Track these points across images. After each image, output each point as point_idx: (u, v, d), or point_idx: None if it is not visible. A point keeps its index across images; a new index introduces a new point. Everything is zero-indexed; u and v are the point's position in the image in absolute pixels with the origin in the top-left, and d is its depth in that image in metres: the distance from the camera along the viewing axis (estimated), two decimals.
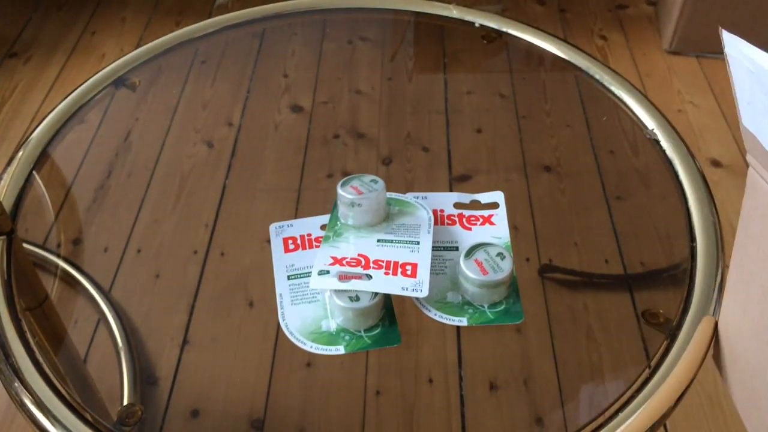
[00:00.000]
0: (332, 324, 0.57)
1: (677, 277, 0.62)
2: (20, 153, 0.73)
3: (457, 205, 0.66)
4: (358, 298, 0.56)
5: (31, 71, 1.69)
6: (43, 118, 0.77)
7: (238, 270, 0.75)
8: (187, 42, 0.88)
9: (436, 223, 0.63)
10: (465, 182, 0.83)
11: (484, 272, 0.57)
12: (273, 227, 0.65)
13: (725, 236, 0.63)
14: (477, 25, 0.89)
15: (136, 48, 0.86)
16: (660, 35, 1.76)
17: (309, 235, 0.64)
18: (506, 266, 0.58)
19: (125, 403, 0.64)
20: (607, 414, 0.52)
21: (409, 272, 0.57)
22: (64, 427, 0.52)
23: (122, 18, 1.85)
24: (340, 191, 0.62)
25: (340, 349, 0.56)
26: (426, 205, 0.65)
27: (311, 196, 0.81)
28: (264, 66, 1.00)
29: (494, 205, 0.66)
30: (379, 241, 0.61)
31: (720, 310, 0.54)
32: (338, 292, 0.56)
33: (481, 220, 0.65)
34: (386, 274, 0.57)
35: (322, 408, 0.69)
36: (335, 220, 0.63)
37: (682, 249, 0.63)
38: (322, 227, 0.64)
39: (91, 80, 0.82)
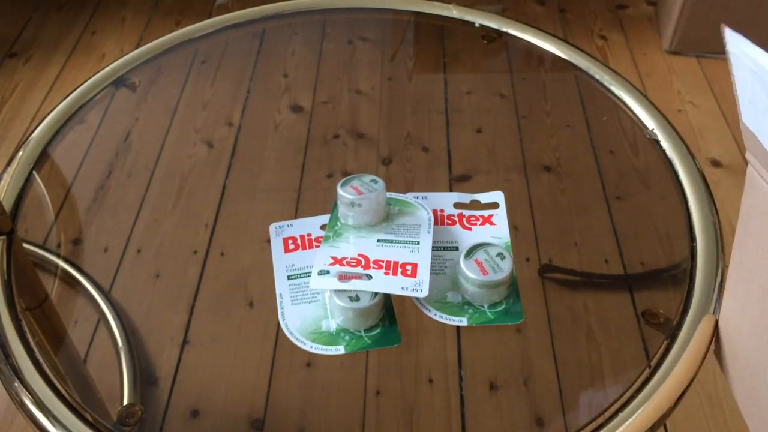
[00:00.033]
0: (332, 324, 0.57)
1: (677, 277, 0.62)
2: (20, 153, 0.73)
3: (457, 205, 0.66)
4: (358, 298, 0.56)
5: (31, 71, 1.69)
6: (43, 118, 0.77)
7: (238, 270, 0.75)
8: (187, 42, 0.88)
9: (436, 223, 0.63)
10: (465, 182, 0.83)
11: (484, 272, 0.57)
12: (273, 227, 0.65)
13: (725, 236, 0.63)
14: (477, 25, 0.89)
15: (136, 48, 0.86)
16: (660, 35, 1.76)
17: (309, 235, 0.64)
18: (506, 266, 0.58)
19: (125, 403, 0.64)
20: (607, 414, 0.52)
21: (409, 272, 0.57)
22: (64, 427, 0.52)
23: (122, 18, 1.85)
24: (340, 191, 0.62)
25: (340, 349, 0.56)
26: (426, 205, 0.65)
27: (311, 196, 0.81)
28: (264, 66, 1.00)
29: (494, 205, 0.66)
30: (379, 241, 0.61)
31: (720, 309, 0.54)
32: (338, 292, 0.56)
33: (481, 220, 0.65)
34: (386, 274, 0.57)
35: (322, 408, 0.69)
36: (335, 220, 0.63)
37: (682, 249, 0.63)
38: (322, 227, 0.64)
39: (91, 80, 0.82)
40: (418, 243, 0.60)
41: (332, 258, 0.59)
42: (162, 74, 0.89)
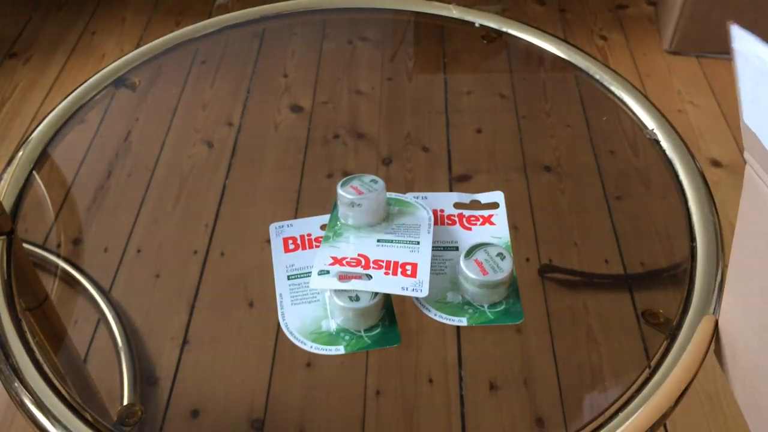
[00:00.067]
0: (332, 324, 0.57)
1: (677, 277, 0.62)
2: (20, 153, 0.73)
3: (457, 205, 0.66)
4: (358, 298, 0.56)
5: (31, 71, 1.69)
6: (43, 118, 0.77)
7: (238, 270, 0.75)
8: (187, 42, 0.88)
9: (436, 223, 0.63)
10: (465, 182, 0.84)
11: (484, 272, 0.57)
12: (273, 227, 0.65)
13: (725, 236, 0.63)
14: (477, 25, 0.89)
15: (136, 48, 0.86)
16: (660, 35, 1.76)
17: (309, 235, 0.64)
18: (506, 266, 0.58)
19: (125, 403, 0.64)
20: (607, 414, 0.52)
21: (409, 272, 0.57)
22: (64, 427, 0.52)
23: (122, 18, 1.85)
24: (340, 191, 0.62)
25: (340, 349, 0.56)
26: (426, 205, 0.65)
27: (311, 196, 0.81)
28: (264, 66, 1.00)
29: (494, 205, 0.66)
30: (379, 241, 0.61)
31: (720, 309, 0.54)
32: (338, 292, 0.56)
33: (481, 220, 0.65)
34: (386, 274, 0.57)
35: (322, 408, 0.69)
36: (335, 220, 0.63)
37: (682, 249, 0.63)
38: (322, 227, 0.64)
39: (91, 80, 0.82)
40: (418, 243, 0.60)
41: (332, 258, 0.59)
42: (162, 74, 0.89)
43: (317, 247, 0.62)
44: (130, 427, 0.55)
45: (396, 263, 0.58)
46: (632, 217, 0.79)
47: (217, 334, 0.70)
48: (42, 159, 0.74)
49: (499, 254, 0.59)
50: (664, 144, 0.72)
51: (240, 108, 0.94)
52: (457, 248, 0.62)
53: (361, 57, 1.02)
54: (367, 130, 0.91)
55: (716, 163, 1.43)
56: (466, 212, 0.65)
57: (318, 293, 0.59)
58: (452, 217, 0.65)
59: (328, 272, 0.58)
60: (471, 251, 0.59)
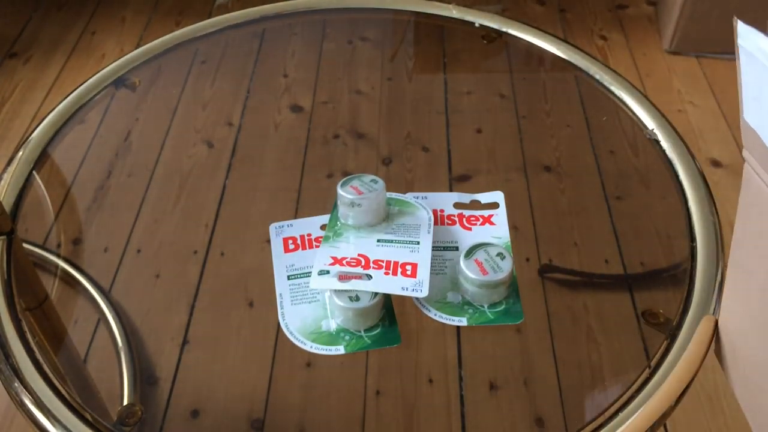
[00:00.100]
0: (332, 324, 0.57)
1: (677, 277, 0.62)
2: (20, 153, 0.73)
3: (457, 205, 0.66)
4: (358, 298, 0.56)
5: (31, 71, 1.69)
6: (43, 118, 0.77)
7: (238, 270, 0.75)
8: (187, 42, 0.88)
9: (436, 223, 0.63)
10: (465, 182, 0.83)
11: (484, 272, 0.57)
12: (273, 227, 0.65)
13: (725, 236, 0.63)
14: (477, 25, 0.89)
15: (136, 48, 0.86)
16: (660, 35, 1.76)
17: (309, 235, 0.64)
18: (506, 266, 0.58)
19: (125, 403, 0.64)
20: (607, 414, 0.52)
21: (409, 272, 0.57)
22: (64, 427, 0.52)
23: (122, 18, 1.85)
24: (340, 191, 0.62)
25: (340, 349, 0.56)
26: (426, 205, 0.65)
27: (311, 196, 0.81)
28: (264, 66, 1.00)
29: (494, 205, 0.66)
30: (379, 241, 0.61)
31: (720, 309, 0.54)
32: (338, 292, 0.56)
33: (481, 220, 0.65)
34: (386, 274, 0.57)
35: (322, 408, 0.69)
36: (335, 220, 0.63)
37: (682, 249, 0.63)
38: (322, 227, 0.64)
39: (91, 80, 0.82)
40: (418, 243, 0.60)
41: (332, 258, 0.59)
42: (162, 74, 0.89)
43: (317, 247, 0.62)
44: (130, 427, 0.55)
45: (396, 263, 0.58)
46: (632, 217, 0.79)
47: (217, 334, 0.70)
48: (42, 159, 0.74)
49: (499, 254, 0.59)
50: (664, 144, 0.72)
51: (240, 108, 0.94)
52: (457, 248, 0.62)
53: (361, 57, 1.02)
54: (367, 130, 0.91)
55: (716, 163, 1.43)
56: (466, 212, 0.65)
57: (318, 293, 0.59)
58: (452, 217, 0.65)
59: (328, 272, 0.58)
60: (471, 251, 0.59)
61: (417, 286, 0.56)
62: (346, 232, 0.62)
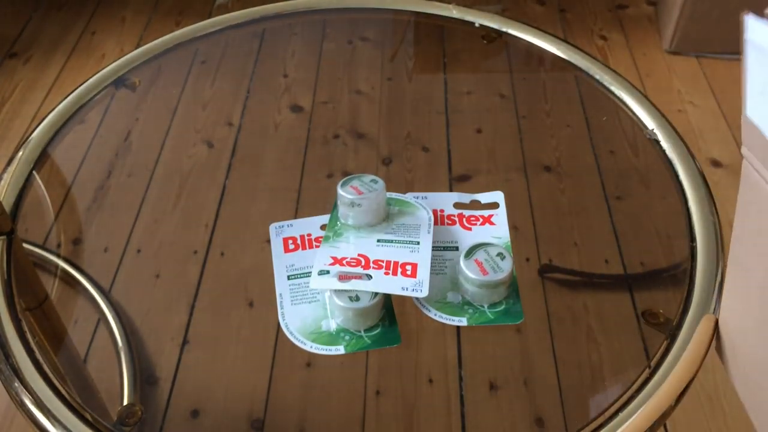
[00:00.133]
0: (332, 324, 0.57)
1: (677, 277, 0.62)
2: (20, 153, 0.73)
3: (457, 205, 0.66)
4: (358, 298, 0.56)
5: (31, 71, 1.69)
6: (43, 118, 0.77)
7: (238, 270, 0.75)
8: (187, 42, 0.88)
9: (436, 223, 0.63)
10: (465, 182, 0.83)
11: (484, 272, 0.57)
12: (273, 227, 0.65)
13: (725, 236, 0.63)
14: (477, 25, 0.89)
15: (136, 48, 0.86)
16: (660, 35, 1.76)
17: (309, 235, 0.64)
18: (506, 266, 0.58)
19: (125, 403, 0.64)
20: (607, 414, 0.52)
21: (409, 272, 0.57)
22: (64, 427, 0.52)
23: (122, 18, 1.85)
24: (340, 191, 0.62)
25: (340, 349, 0.56)
26: (426, 205, 0.65)
27: (311, 196, 0.81)
28: (264, 66, 1.00)
29: (494, 205, 0.66)
30: (379, 241, 0.61)
31: (719, 308, 0.54)
32: (338, 292, 0.56)
33: (481, 220, 0.65)
34: (386, 274, 0.57)
35: (322, 408, 0.69)
36: (335, 220, 0.63)
37: (682, 249, 0.64)
38: (322, 227, 0.64)
39: (91, 80, 0.82)
40: (418, 243, 0.60)
41: (332, 258, 0.59)
42: (162, 74, 0.89)
43: (317, 247, 0.62)
44: (130, 427, 0.55)
45: (396, 263, 0.58)
46: (632, 217, 0.79)
47: (217, 334, 0.70)
48: (42, 159, 0.74)
49: (499, 254, 0.59)
50: (664, 144, 0.72)
51: (240, 108, 0.94)
52: (457, 248, 0.62)
53: (361, 57, 1.02)
54: (367, 130, 0.91)
55: (716, 163, 1.43)
56: (466, 212, 0.65)
57: (318, 293, 0.59)
58: (452, 217, 0.65)
59: (328, 272, 0.58)
60: (471, 251, 0.59)
61: (417, 286, 0.56)
62: (346, 232, 0.62)
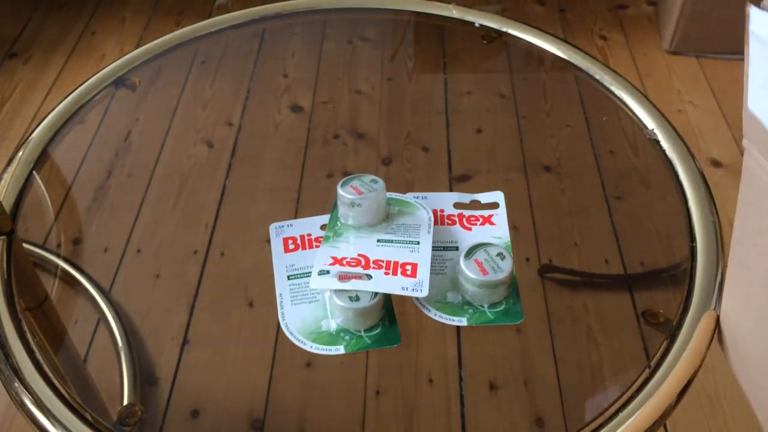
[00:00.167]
0: (332, 324, 0.57)
1: (677, 277, 0.62)
2: (20, 153, 0.73)
3: (457, 205, 0.66)
4: (358, 298, 0.56)
5: (31, 71, 1.69)
6: (43, 118, 0.77)
7: (238, 270, 0.75)
8: (187, 42, 0.88)
9: (436, 223, 0.63)
10: (465, 182, 0.84)
11: (484, 272, 0.57)
12: (273, 227, 0.65)
13: (725, 236, 0.63)
14: (477, 25, 0.89)
15: (136, 48, 0.86)
16: (660, 35, 1.76)
17: (309, 235, 0.64)
18: (506, 266, 0.58)
19: (125, 403, 0.64)
20: (607, 414, 0.52)
21: (409, 272, 0.57)
22: (64, 427, 0.52)
23: (122, 18, 1.85)
24: (340, 191, 0.62)
25: (340, 349, 0.56)
26: (426, 205, 0.65)
27: (311, 196, 0.81)
28: (264, 66, 1.00)
29: (494, 205, 0.66)
30: (379, 241, 0.61)
31: (721, 305, 0.54)
32: (338, 292, 0.56)
33: (481, 220, 0.65)
34: (386, 274, 0.57)
35: (322, 408, 0.69)
36: (335, 220, 0.63)
37: (682, 249, 0.63)
38: (322, 227, 0.64)
39: (91, 80, 0.82)
40: (418, 243, 0.60)
41: (332, 258, 0.59)
42: (162, 74, 0.89)
43: (317, 247, 0.62)
44: (130, 427, 0.55)
45: (396, 263, 0.58)
46: (632, 217, 0.79)
47: (217, 334, 0.70)
48: (42, 159, 0.74)
49: (499, 254, 0.59)
50: (664, 144, 0.72)
51: (240, 108, 0.94)
52: (457, 248, 0.62)
53: (361, 57, 1.02)
54: (367, 130, 0.91)
55: (716, 163, 1.43)
56: (466, 212, 0.65)
57: (318, 293, 0.59)
58: (452, 217, 0.65)
59: (328, 272, 0.58)
60: (471, 251, 0.59)
61: (417, 286, 0.56)
62: (346, 232, 0.62)
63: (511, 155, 0.87)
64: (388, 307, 0.58)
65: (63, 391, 0.54)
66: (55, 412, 0.52)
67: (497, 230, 0.64)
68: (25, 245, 0.67)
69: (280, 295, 0.59)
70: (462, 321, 0.57)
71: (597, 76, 0.82)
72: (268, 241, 0.64)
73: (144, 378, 0.67)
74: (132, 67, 0.84)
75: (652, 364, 0.55)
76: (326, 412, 0.69)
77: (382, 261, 0.58)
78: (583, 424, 0.53)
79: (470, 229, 0.64)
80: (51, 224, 0.77)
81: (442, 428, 0.70)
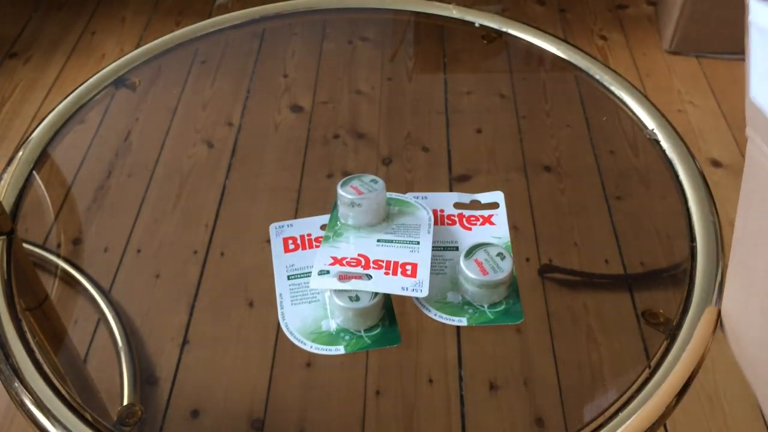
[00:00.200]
0: (332, 324, 0.57)
1: (677, 277, 0.62)
2: (20, 153, 0.73)
3: (457, 205, 0.66)
4: (358, 298, 0.56)
5: (31, 71, 1.69)
6: (43, 118, 0.77)
7: (238, 270, 0.75)
8: (187, 42, 0.88)
9: (436, 223, 0.63)
10: (465, 182, 0.84)
11: (484, 272, 0.57)
12: (273, 227, 0.65)
13: (725, 236, 0.63)
14: (477, 25, 0.89)
15: (136, 48, 0.86)
16: (660, 35, 1.76)
17: (309, 235, 0.64)
18: (506, 266, 0.58)
19: (125, 403, 0.64)
20: (607, 414, 0.52)
21: (409, 272, 0.57)
22: (64, 427, 0.52)
23: (122, 18, 1.85)
24: (340, 191, 0.62)
25: (340, 349, 0.56)
26: (426, 205, 0.65)
27: (311, 196, 0.81)
28: (264, 66, 1.00)
29: (494, 205, 0.66)
30: (379, 241, 0.61)
31: (721, 304, 0.54)
32: (338, 292, 0.56)
33: (481, 220, 0.65)
34: (386, 274, 0.57)
35: (322, 408, 0.69)
36: (335, 220, 0.63)
37: (682, 249, 0.63)
38: (322, 227, 0.64)
39: (91, 80, 0.82)
40: (418, 243, 0.60)
41: (332, 258, 0.59)
42: (162, 74, 0.89)
43: (317, 247, 0.62)
44: (130, 427, 0.55)
45: (396, 263, 0.58)
46: (632, 217, 0.79)
47: (217, 334, 0.70)
48: (42, 159, 0.74)
49: (499, 254, 0.59)
50: (664, 144, 0.72)
51: (240, 108, 0.94)
52: (457, 248, 0.62)
53: (361, 57, 1.02)
54: (367, 130, 0.91)
55: (716, 163, 1.43)
56: (466, 212, 0.65)
57: (318, 293, 0.59)
58: (452, 217, 0.65)
59: (328, 272, 0.58)
60: (471, 251, 0.59)
61: (417, 286, 0.56)
62: (346, 232, 0.62)
63: (511, 155, 0.87)
64: (388, 307, 0.58)
65: (63, 391, 0.54)
66: (55, 412, 0.52)
67: (497, 230, 0.64)
68: (25, 245, 0.67)
69: (280, 295, 0.59)
70: (462, 321, 0.57)
71: (597, 76, 0.82)
72: (268, 241, 0.64)
73: (144, 378, 0.67)
74: (132, 67, 0.84)
75: (652, 364, 0.55)
76: (326, 412, 0.69)
77: (382, 261, 0.58)
78: (583, 424, 0.53)
79: (470, 229, 0.64)
80: (51, 224, 0.77)
81: (442, 428, 0.71)
